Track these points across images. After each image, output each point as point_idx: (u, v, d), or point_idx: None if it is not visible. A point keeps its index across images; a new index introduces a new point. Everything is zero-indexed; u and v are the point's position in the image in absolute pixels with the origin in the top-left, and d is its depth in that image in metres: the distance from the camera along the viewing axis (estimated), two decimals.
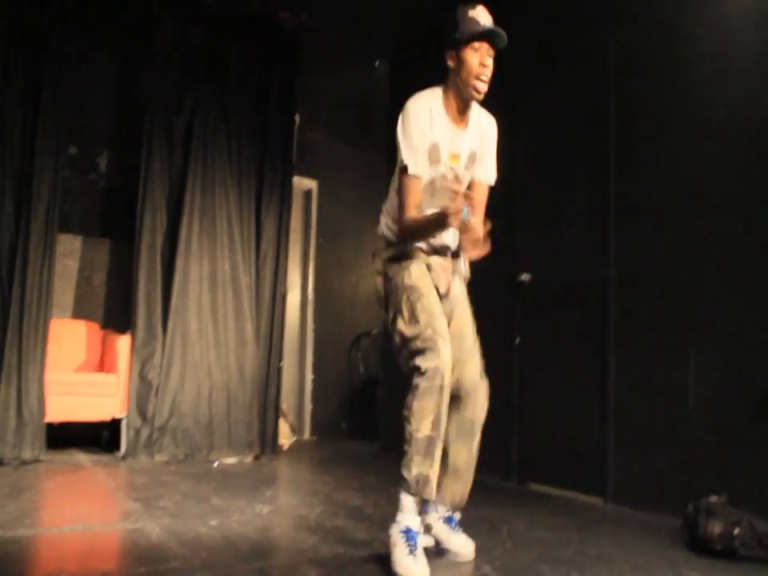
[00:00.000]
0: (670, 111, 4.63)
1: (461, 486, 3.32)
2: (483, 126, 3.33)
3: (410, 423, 2.93)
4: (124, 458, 5.85)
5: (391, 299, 3.20)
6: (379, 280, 3.31)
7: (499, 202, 5.82)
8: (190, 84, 6.62)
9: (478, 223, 2.96)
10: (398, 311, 3.11)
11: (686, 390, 4.32)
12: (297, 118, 7.50)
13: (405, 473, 2.94)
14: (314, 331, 8.39)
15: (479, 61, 3.04)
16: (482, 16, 3.08)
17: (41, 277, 5.76)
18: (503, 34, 3.05)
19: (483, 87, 3.08)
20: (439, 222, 2.96)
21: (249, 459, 6.27)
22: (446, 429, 3.06)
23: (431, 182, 3.17)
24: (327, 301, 8.56)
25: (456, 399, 3.18)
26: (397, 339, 3.11)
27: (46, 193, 5.84)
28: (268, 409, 6.72)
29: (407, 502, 2.95)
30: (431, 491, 2.96)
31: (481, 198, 3.36)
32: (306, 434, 8.19)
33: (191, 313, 6.32)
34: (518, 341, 5.59)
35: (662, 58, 4.72)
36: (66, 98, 6.06)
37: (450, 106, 3.17)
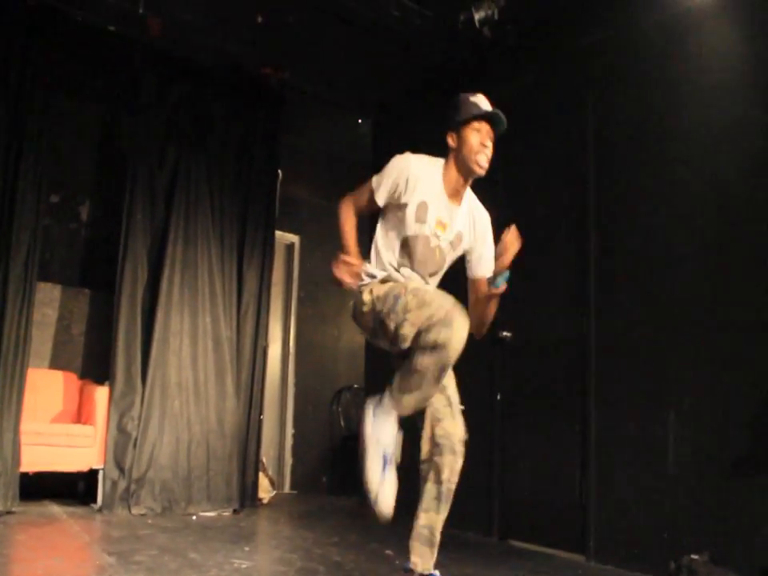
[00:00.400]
0: (648, 173, 4.70)
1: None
2: (476, 218, 3.40)
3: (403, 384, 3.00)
4: (100, 510, 5.75)
5: (388, 312, 3.01)
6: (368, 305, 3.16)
7: None
8: (173, 137, 6.66)
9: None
10: (391, 311, 2.98)
11: (666, 447, 4.31)
12: (279, 173, 7.54)
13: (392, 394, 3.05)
14: (295, 385, 8.35)
15: (480, 140, 3.12)
16: (483, 102, 3.15)
17: (18, 325, 5.69)
18: (503, 117, 3.12)
19: (484, 162, 3.15)
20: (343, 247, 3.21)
21: (228, 513, 6.18)
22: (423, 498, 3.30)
23: (413, 238, 3.18)
24: (308, 354, 8.54)
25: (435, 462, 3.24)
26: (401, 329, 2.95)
27: (26, 240, 5.80)
28: (248, 462, 6.64)
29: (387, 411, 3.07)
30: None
31: (492, 303, 3.41)
32: (286, 488, 8.10)
33: (171, 365, 6.27)
34: (498, 397, 5.59)
35: (641, 114, 4.80)
36: (49, 146, 6.06)
37: (448, 178, 3.22)
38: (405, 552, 4.52)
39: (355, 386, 8.48)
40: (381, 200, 3.19)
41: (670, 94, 4.62)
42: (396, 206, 3.18)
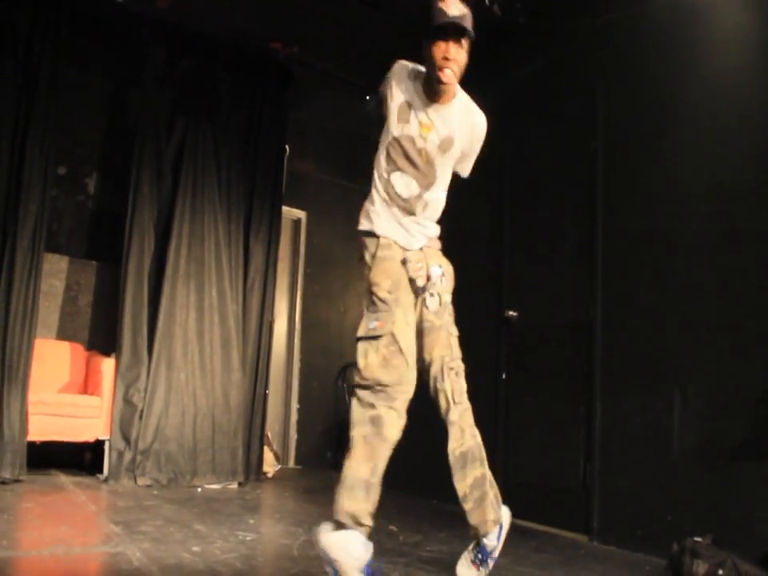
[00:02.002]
0: (657, 158, 4.68)
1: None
2: (473, 124, 3.31)
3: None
4: (106, 480, 5.79)
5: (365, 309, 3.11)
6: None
7: (487, 239, 5.94)
8: (180, 111, 6.66)
9: None
10: (362, 337, 3.03)
11: (671, 430, 4.32)
12: (287, 148, 7.52)
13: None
14: (301, 360, 8.38)
15: (442, 55, 3.01)
16: (452, 6, 3.02)
17: (26, 296, 5.71)
18: (462, 25, 2.99)
19: (447, 77, 3.04)
20: None
21: (233, 486, 6.22)
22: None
23: (397, 139, 3.17)
24: (314, 330, 8.56)
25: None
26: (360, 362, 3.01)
27: (34, 212, 5.81)
28: (253, 436, 6.68)
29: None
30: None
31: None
32: (291, 463, 8.15)
33: (177, 338, 6.29)
34: (503, 376, 5.60)
35: (650, 101, 4.77)
36: (57, 118, 6.05)
37: (427, 85, 3.15)
38: (408, 527, 4.58)
39: None
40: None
41: (680, 78, 4.59)
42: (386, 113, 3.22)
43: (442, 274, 3.28)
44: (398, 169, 3.19)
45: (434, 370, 3.17)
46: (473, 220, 6.11)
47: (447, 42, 3.01)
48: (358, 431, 2.95)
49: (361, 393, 2.98)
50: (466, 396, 3.20)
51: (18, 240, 5.70)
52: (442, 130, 3.17)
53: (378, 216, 3.20)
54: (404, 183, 3.20)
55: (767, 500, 3.76)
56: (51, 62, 6.00)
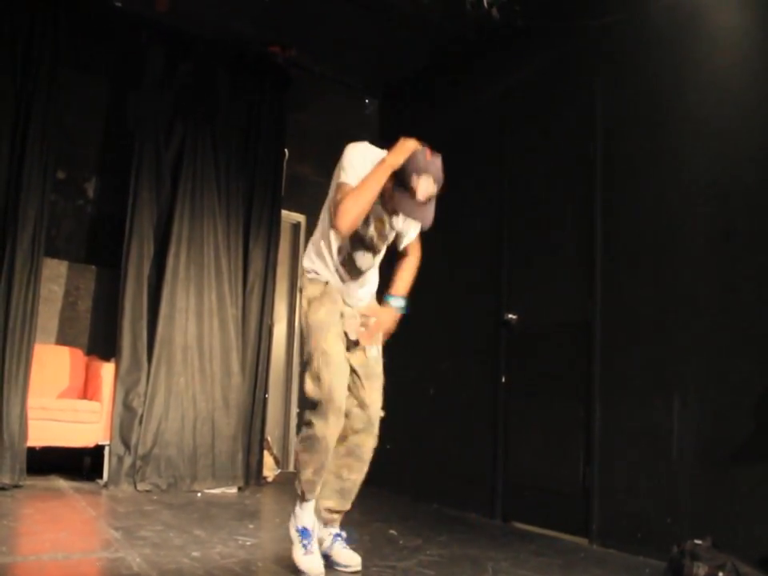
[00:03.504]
0: (656, 157, 4.68)
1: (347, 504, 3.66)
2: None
3: (298, 465, 3.42)
4: (106, 485, 5.79)
5: (305, 341, 3.48)
6: (303, 313, 3.52)
7: (486, 241, 5.94)
8: (179, 114, 6.65)
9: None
10: (308, 362, 3.41)
11: (670, 433, 4.32)
12: (286, 151, 7.52)
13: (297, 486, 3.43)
14: (300, 364, 8.34)
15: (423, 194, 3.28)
16: (423, 187, 3.26)
17: (25, 301, 5.71)
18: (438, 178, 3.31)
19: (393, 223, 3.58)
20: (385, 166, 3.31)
21: (232, 490, 6.22)
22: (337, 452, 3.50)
23: (356, 234, 3.43)
24: None
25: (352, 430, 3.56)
26: (304, 386, 3.42)
27: (33, 216, 5.81)
28: (252, 440, 6.67)
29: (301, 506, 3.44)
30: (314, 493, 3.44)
31: (414, 261, 3.74)
32: (291, 467, 8.12)
33: (177, 342, 6.29)
34: (503, 380, 5.60)
35: (649, 103, 4.78)
36: (56, 122, 6.05)
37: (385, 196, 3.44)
38: (408, 532, 4.57)
39: None
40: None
41: (679, 80, 4.60)
42: None
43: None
44: (360, 249, 3.51)
45: (371, 412, 3.55)
46: (472, 222, 6.11)
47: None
48: None
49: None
50: None
51: (17, 244, 5.69)
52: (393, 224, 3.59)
53: (329, 272, 3.51)
54: (364, 258, 3.54)
55: (767, 502, 3.76)
56: (50, 65, 6.00)
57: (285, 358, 8.34)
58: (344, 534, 3.64)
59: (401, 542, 4.31)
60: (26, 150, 5.82)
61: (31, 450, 5.59)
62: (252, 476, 6.60)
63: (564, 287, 5.24)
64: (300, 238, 8.59)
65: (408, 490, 6.14)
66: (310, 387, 3.35)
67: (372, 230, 3.49)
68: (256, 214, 7.01)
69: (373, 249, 3.53)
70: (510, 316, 5.55)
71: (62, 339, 6.67)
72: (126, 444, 5.92)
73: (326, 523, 3.62)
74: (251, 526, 4.66)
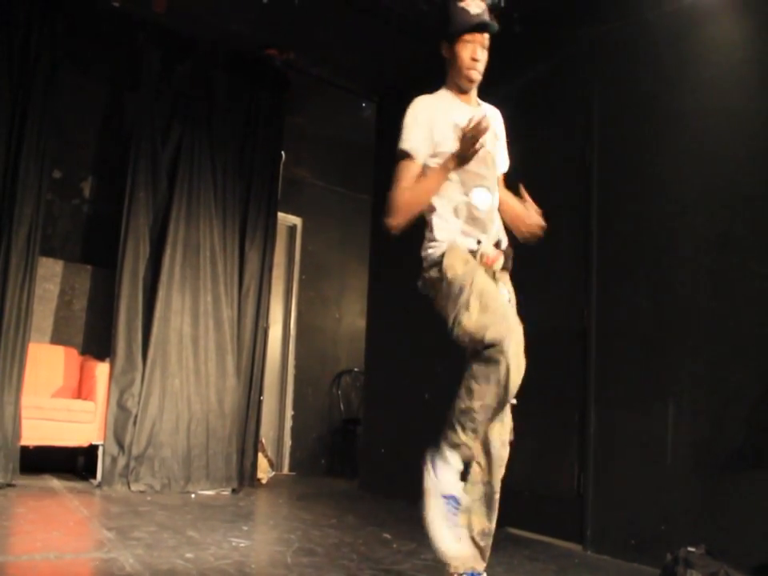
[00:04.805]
0: (652, 164, 4.68)
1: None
2: (494, 114, 3.34)
3: (462, 397, 3.10)
4: (99, 485, 5.78)
5: (450, 299, 3.03)
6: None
7: None
8: (176, 115, 6.66)
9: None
10: (462, 305, 2.96)
11: (665, 439, 4.32)
12: (283, 154, 7.52)
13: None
14: (295, 367, 8.36)
15: (470, 55, 3.06)
16: (473, 5, 3.04)
17: (20, 300, 5.70)
18: (492, 23, 3.05)
19: (475, 76, 3.12)
20: (455, 153, 2.92)
21: (226, 492, 6.21)
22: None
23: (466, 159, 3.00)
24: (309, 337, 8.55)
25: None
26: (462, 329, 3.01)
27: (29, 215, 5.81)
28: (247, 442, 6.66)
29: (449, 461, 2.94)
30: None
31: (501, 188, 3.44)
32: (285, 470, 8.13)
33: (172, 343, 6.28)
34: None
35: (645, 109, 4.78)
36: (52, 122, 6.05)
37: (455, 90, 3.18)
38: (402, 535, 4.57)
39: (355, 369, 8.51)
40: (422, 154, 3.04)
41: (675, 85, 4.60)
42: (436, 152, 3.05)
43: (509, 300, 3.42)
44: (475, 185, 3.12)
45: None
46: None
47: (474, 43, 3.06)
48: None
49: None
50: None
51: (12, 243, 5.68)
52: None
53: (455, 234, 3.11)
54: (482, 197, 3.16)
55: (760, 510, 3.77)
56: (47, 65, 6.01)
57: (280, 361, 8.33)
58: None
59: (395, 545, 4.30)
60: (22, 150, 5.81)
61: (25, 449, 5.58)
62: (246, 478, 6.59)
63: (559, 294, 5.23)
64: (296, 240, 8.60)
65: (402, 494, 6.13)
66: (474, 325, 2.94)
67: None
68: (252, 216, 7.01)
69: (482, 174, 3.14)
70: None
71: (57, 338, 6.66)
72: (120, 444, 5.91)
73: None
74: (245, 528, 4.65)
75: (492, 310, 2.93)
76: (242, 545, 4.06)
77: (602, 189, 5.01)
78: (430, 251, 3.11)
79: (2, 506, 4.74)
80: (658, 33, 4.77)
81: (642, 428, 4.47)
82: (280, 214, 7.56)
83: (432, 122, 3.04)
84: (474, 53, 3.06)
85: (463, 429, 2.94)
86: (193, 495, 5.93)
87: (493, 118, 3.23)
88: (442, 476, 2.88)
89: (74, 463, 6.24)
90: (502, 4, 5.36)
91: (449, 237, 3.07)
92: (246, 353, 6.82)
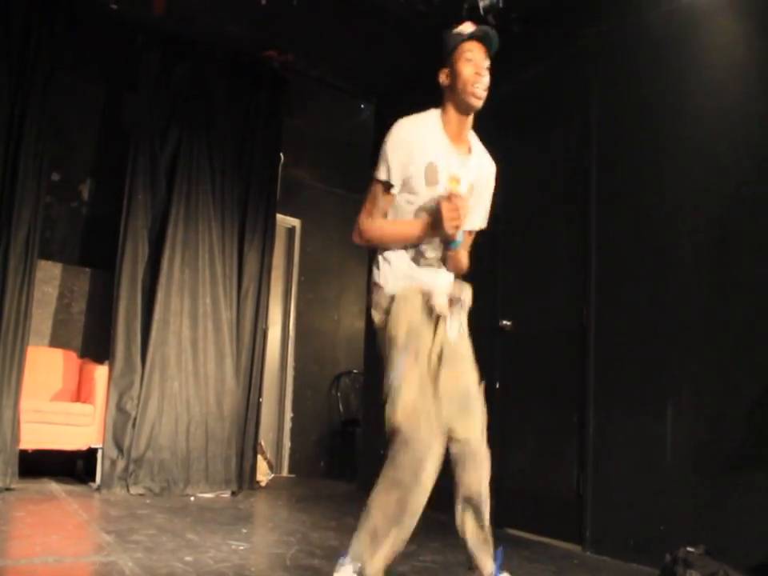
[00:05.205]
0: (650, 165, 4.68)
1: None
2: (484, 166, 3.14)
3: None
4: (99, 489, 5.78)
5: (386, 362, 2.87)
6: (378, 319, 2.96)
7: (481, 248, 5.93)
8: (175, 117, 6.66)
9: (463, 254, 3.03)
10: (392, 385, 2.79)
11: (664, 439, 4.32)
12: (281, 156, 7.52)
13: None
14: (294, 369, 8.37)
15: (474, 70, 2.85)
16: (468, 27, 2.90)
17: (19, 303, 5.69)
18: (492, 34, 2.88)
19: (482, 93, 2.89)
20: (432, 223, 2.80)
21: (226, 495, 6.21)
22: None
23: (428, 205, 2.88)
24: (308, 339, 8.55)
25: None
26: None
27: (27, 218, 5.80)
28: (246, 445, 6.66)
29: None
30: None
31: (466, 243, 3.18)
32: (284, 472, 8.13)
33: (171, 345, 6.27)
34: (497, 386, 5.59)
35: (643, 110, 4.78)
36: (50, 124, 6.05)
37: (449, 124, 2.95)
38: None
39: (354, 371, 8.51)
40: (398, 183, 2.86)
41: (674, 86, 4.60)
42: (404, 185, 2.87)
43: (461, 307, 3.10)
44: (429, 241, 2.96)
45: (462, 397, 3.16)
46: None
47: (475, 60, 2.87)
48: None
49: None
50: None
51: (11, 247, 5.68)
52: (468, 178, 3.01)
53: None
54: (433, 249, 3.00)
55: (760, 510, 3.76)
56: (45, 67, 6.00)
57: (279, 363, 8.34)
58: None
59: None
60: (20, 152, 5.81)
61: (24, 453, 5.58)
62: (245, 480, 6.59)
63: (558, 294, 5.24)
64: (295, 242, 8.60)
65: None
66: (393, 413, 2.76)
67: (443, 189, 2.88)
68: (251, 218, 7.01)
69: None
70: (505, 322, 5.55)
71: (56, 341, 6.66)
72: (119, 447, 5.90)
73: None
74: (244, 531, 4.64)
75: (418, 407, 2.74)
76: (242, 547, 4.05)
77: (601, 188, 5.01)
78: (375, 295, 2.98)
79: (1, 509, 4.73)
80: (656, 32, 4.77)
81: (641, 428, 4.47)
82: (279, 216, 7.56)
83: (409, 156, 2.84)
84: (478, 68, 2.86)
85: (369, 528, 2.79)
86: (192, 498, 5.93)
87: (481, 166, 3.11)
88: None
89: (73, 466, 6.24)
90: (500, 4, 5.36)
91: (395, 283, 2.93)
92: (245, 355, 6.81)
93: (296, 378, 8.36)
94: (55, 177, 6.75)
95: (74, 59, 6.61)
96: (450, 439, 2.94)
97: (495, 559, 2.95)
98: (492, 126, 5.91)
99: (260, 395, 6.93)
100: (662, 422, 4.34)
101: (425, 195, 2.88)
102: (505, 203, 5.75)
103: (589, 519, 4.69)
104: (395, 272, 2.94)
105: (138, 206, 6.35)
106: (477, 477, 3.06)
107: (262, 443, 7.17)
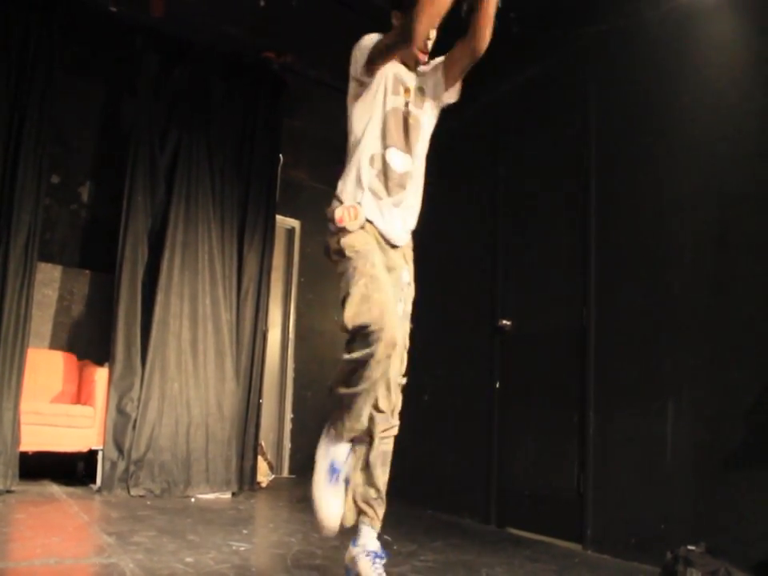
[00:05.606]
0: (649, 164, 4.69)
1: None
2: (431, 65, 3.31)
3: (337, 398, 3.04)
4: (99, 490, 5.77)
5: (343, 277, 2.99)
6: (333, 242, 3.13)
7: (481, 246, 5.95)
8: (174, 119, 6.65)
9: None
10: (348, 286, 2.88)
11: (664, 438, 4.32)
12: (281, 157, 7.51)
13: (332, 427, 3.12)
14: (295, 370, 8.36)
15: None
16: None
17: (18, 305, 5.69)
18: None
19: (423, 57, 3.13)
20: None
21: (226, 496, 6.20)
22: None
23: (390, 112, 3.10)
24: (308, 340, 8.54)
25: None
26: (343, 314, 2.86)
27: (27, 221, 5.79)
28: (246, 446, 6.66)
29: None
30: None
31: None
32: (285, 473, 8.12)
33: (171, 347, 6.27)
34: (497, 386, 5.60)
35: (642, 109, 4.79)
36: (49, 127, 6.04)
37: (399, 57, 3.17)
38: (402, 537, 4.56)
39: None
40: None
41: (673, 85, 4.61)
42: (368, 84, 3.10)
43: (408, 282, 3.19)
44: (393, 144, 3.10)
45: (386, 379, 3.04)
46: (467, 229, 6.12)
47: None
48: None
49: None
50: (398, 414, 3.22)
51: (10, 249, 5.67)
52: (415, 85, 3.21)
53: (362, 192, 3.10)
54: (399, 159, 3.12)
55: (760, 508, 3.76)
56: (45, 69, 5.98)
57: (279, 364, 8.33)
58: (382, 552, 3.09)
59: (395, 547, 4.29)
60: (20, 154, 5.80)
61: (24, 455, 5.57)
62: (246, 481, 6.59)
63: (558, 293, 5.24)
64: (295, 243, 8.60)
65: (402, 495, 6.13)
66: (353, 312, 2.77)
67: (401, 101, 3.12)
68: (250, 219, 7.00)
69: (405, 136, 3.13)
70: (505, 322, 5.56)
71: (56, 344, 6.66)
72: (120, 449, 5.90)
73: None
74: (245, 532, 4.64)
75: (373, 300, 2.77)
76: (242, 548, 4.05)
77: (600, 188, 5.01)
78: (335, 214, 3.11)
79: (2, 512, 4.73)
80: (655, 32, 4.77)
81: (641, 427, 4.48)
82: (278, 217, 7.55)
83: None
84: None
85: (348, 415, 2.99)
86: (192, 499, 5.93)
87: (432, 66, 3.28)
88: (333, 445, 3.11)
89: (73, 468, 6.23)
90: (499, 4, 5.35)
91: (355, 199, 3.07)
92: (245, 356, 6.81)
93: (296, 379, 8.35)
94: (55, 179, 6.75)
95: (73, 61, 6.61)
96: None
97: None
98: (492, 125, 5.95)
99: (260, 396, 6.93)
100: (662, 421, 4.34)
101: (390, 102, 3.11)
102: (504, 202, 5.78)
103: (590, 518, 4.70)
104: (361, 181, 3.09)
105: (138, 208, 6.34)
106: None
107: (263, 444, 7.16)
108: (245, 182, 7.03)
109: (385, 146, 3.09)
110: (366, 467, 3.15)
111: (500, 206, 5.84)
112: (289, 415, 8.25)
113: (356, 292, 2.81)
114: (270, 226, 7.17)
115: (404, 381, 3.20)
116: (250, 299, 6.92)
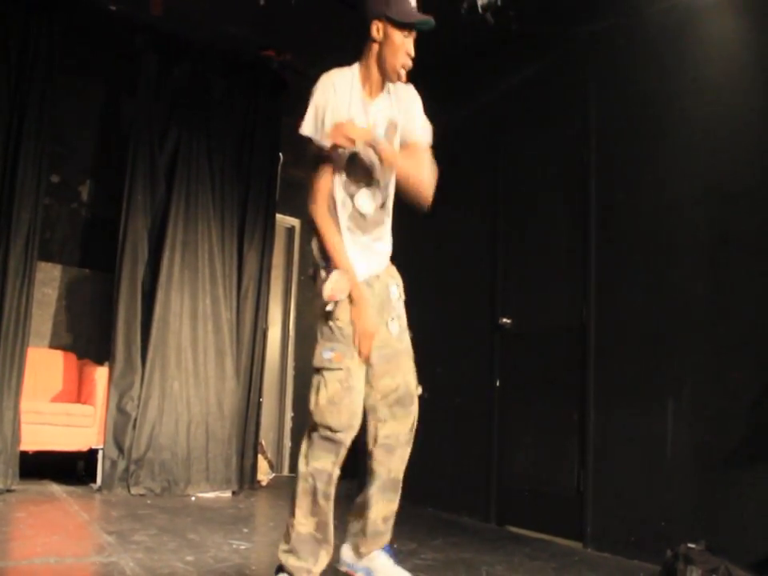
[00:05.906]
0: (649, 162, 4.68)
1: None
2: (398, 92, 3.10)
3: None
4: (99, 489, 5.78)
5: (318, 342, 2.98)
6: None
7: (481, 245, 5.94)
8: (174, 118, 6.65)
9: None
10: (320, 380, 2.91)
11: (664, 436, 4.32)
12: (281, 156, 7.51)
13: None
14: (295, 368, 8.36)
15: (406, 50, 2.92)
16: (414, 11, 2.94)
17: (19, 304, 5.69)
18: (432, 22, 2.91)
19: (403, 75, 2.97)
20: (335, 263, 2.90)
21: (226, 494, 6.21)
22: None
23: (353, 157, 2.94)
24: (308, 338, 8.50)
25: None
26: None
27: (27, 220, 5.79)
28: (247, 444, 6.67)
29: None
30: None
31: (421, 158, 3.05)
32: (285, 471, 8.12)
33: (171, 346, 6.27)
34: (497, 384, 5.60)
35: (642, 108, 4.79)
36: (49, 126, 6.04)
37: (368, 79, 3.04)
38: (403, 536, 4.56)
39: None
40: (327, 140, 2.87)
41: (673, 83, 4.60)
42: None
43: (398, 297, 3.12)
44: (362, 186, 3.00)
45: (399, 394, 3.06)
46: (466, 228, 6.11)
47: (411, 39, 2.94)
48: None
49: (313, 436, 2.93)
50: None
51: (10, 248, 5.67)
52: (383, 119, 3.03)
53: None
54: (368, 198, 3.01)
55: (760, 506, 3.77)
56: (44, 68, 5.99)
57: (279, 362, 8.33)
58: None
59: (395, 545, 4.29)
60: (20, 154, 5.80)
61: (24, 454, 5.58)
62: (246, 480, 6.60)
63: (558, 291, 5.24)
64: (294, 241, 8.60)
65: (402, 494, 6.12)
66: (322, 409, 2.92)
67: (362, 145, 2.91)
68: (250, 218, 7.01)
69: (372, 175, 2.99)
70: (505, 320, 5.55)
71: (56, 343, 6.66)
72: (120, 448, 5.90)
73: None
74: (245, 530, 4.65)
75: (343, 405, 2.89)
76: (243, 547, 4.06)
77: (599, 186, 5.01)
78: (318, 271, 3.06)
79: (2, 511, 4.74)
80: (654, 30, 4.77)
81: (641, 426, 4.47)
82: (278, 216, 7.55)
83: (330, 113, 2.93)
84: (410, 48, 2.93)
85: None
86: (193, 498, 5.93)
87: (401, 90, 3.10)
88: None
89: (73, 467, 6.23)
90: (499, 2, 5.35)
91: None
92: (245, 354, 6.82)
93: (296, 378, 8.34)
94: (55, 178, 6.75)
95: (72, 60, 6.60)
96: (382, 426, 3.12)
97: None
98: (491, 125, 5.95)
99: (260, 395, 6.94)
100: (662, 420, 4.34)
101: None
102: (504, 201, 5.78)
103: (590, 516, 4.70)
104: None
105: (138, 207, 6.34)
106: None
107: (263, 443, 7.17)
108: (245, 181, 7.03)
109: (353, 191, 2.99)
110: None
111: (500, 205, 5.84)
112: (289, 414, 8.25)
113: (330, 387, 2.87)
114: (269, 225, 7.18)
115: (419, 390, 3.14)
116: (250, 298, 6.92)
